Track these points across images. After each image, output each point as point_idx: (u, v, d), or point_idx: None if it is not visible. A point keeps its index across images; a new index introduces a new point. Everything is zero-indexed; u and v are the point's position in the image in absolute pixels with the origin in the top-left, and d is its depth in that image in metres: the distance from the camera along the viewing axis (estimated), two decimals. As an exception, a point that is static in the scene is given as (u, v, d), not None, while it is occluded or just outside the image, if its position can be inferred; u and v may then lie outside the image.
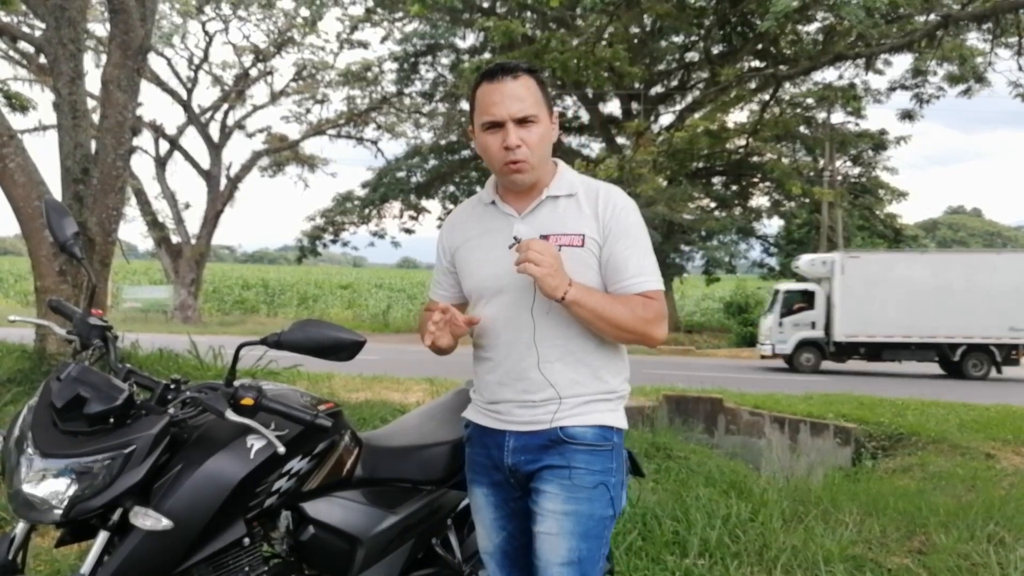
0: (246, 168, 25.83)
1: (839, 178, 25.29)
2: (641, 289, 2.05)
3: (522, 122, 2.05)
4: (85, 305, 2.26)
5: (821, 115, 23.88)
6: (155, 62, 24.07)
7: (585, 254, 2.07)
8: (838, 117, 24.11)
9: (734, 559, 3.89)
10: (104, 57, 8.29)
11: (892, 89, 20.62)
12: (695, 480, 5.65)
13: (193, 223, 25.74)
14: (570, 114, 27.22)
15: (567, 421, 2.09)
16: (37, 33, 10.40)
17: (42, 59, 16.75)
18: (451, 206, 27.61)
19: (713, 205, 26.76)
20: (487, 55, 21.82)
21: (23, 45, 19.31)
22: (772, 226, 28.67)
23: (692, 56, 23.28)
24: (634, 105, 23.84)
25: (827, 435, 10.28)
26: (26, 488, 1.84)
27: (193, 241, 25.33)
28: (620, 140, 24.20)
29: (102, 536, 1.92)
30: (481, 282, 2.18)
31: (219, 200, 25.28)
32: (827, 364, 18.94)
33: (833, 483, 6.41)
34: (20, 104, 13.59)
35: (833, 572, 3.76)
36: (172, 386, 2.08)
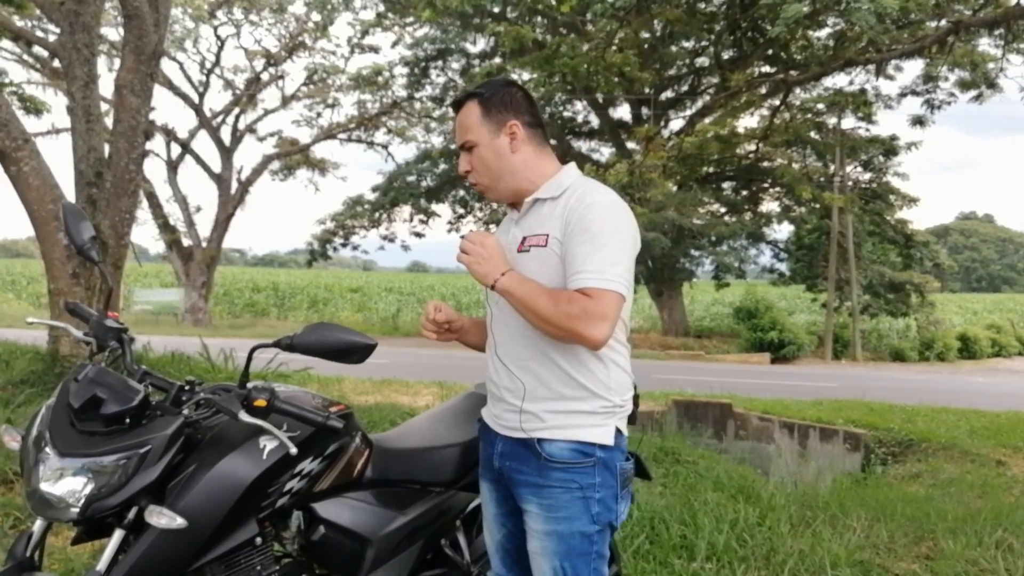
0: (257, 172, 25.90)
1: (849, 183, 25.22)
2: (578, 285, 1.98)
3: (466, 147, 2.20)
4: (101, 308, 2.30)
5: (832, 120, 23.81)
6: (167, 66, 24.22)
7: (548, 254, 2.08)
8: (849, 122, 24.00)
9: (741, 563, 3.90)
10: (117, 61, 8.35)
11: (903, 95, 20.49)
12: (703, 485, 5.66)
13: (204, 226, 25.83)
14: (580, 119, 27.23)
15: (544, 434, 2.09)
16: (51, 38, 10.49)
17: (56, 63, 16.88)
18: (461, 210, 27.66)
19: (723, 210, 26.68)
20: (497, 60, 21.86)
21: (37, 49, 19.46)
22: (782, 231, 28.56)
23: (702, 61, 23.26)
24: (644, 110, 23.85)
25: (836, 441, 10.27)
26: (44, 487, 1.88)
27: (204, 244, 25.41)
28: (630, 145, 24.18)
29: (118, 534, 1.95)
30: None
31: (230, 203, 25.37)
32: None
33: (841, 488, 6.41)
34: (34, 108, 13.72)
35: (840, 577, 3.77)
36: (186, 387, 2.11)
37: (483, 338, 2.41)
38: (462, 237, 2.16)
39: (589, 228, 2.02)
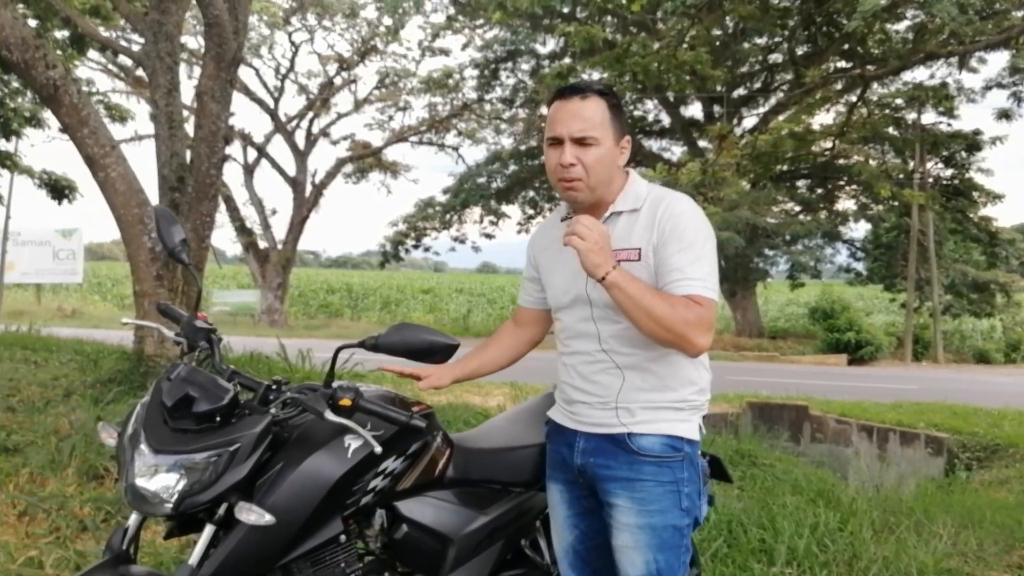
0: (331, 175, 26.32)
1: (930, 180, 24.50)
2: (686, 291, 1.99)
3: (580, 142, 2.06)
4: (191, 309, 2.36)
5: (911, 116, 23.18)
6: (244, 73, 24.75)
7: (641, 268, 2.07)
8: (929, 117, 23.35)
9: (823, 569, 3.82)
10: (196, 69, 8.61)
11: (988, 88, 19.93)
12: (781, 488, 5.56)
13: (280, 229, 26.34)
14: (651, 117, 27.02)
15: (636, 428, 2.12)
16: (135, 47, 10.83)
17: (140, 72, 17.43)
18: (531, 211, 27.69)
19: (798, 209, 26.20)
20: (567, 60, 21.80)
21: (121, 59, 20.13)
22: (859, 230, 27.90)
23: (776, 58, 22.89)
24: (716, 108, 23.55)
25: (918, 445, 10.01)
26: (139, 482, 1.93)
27: (280, 246, 25.92)
28: (702, 143, 23.91)
29: (208, 529, 2.00)
30: (557, 296, 2.28)
31: (304, 206, 25.82)
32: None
33: (926, 494, 6.24)
34: (119, 115, 14.20)
35: (927, 585, 3.67)
36: (274, 387, 2.16)
37: (501, 359, 2.52)
38: (564, 220, 2.18)
39: (684, 236, 2.03)
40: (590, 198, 2.12)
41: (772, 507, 4.64)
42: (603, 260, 1.94)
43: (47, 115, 13.05)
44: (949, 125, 23.31)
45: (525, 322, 2.54)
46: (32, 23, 9.13)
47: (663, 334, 1.98)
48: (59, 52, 10.13)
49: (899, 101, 22.35)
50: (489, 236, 28.28)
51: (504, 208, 27.88)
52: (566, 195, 2.14)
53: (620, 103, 2.14)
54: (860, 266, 28.64)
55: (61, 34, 10.99)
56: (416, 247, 28.10)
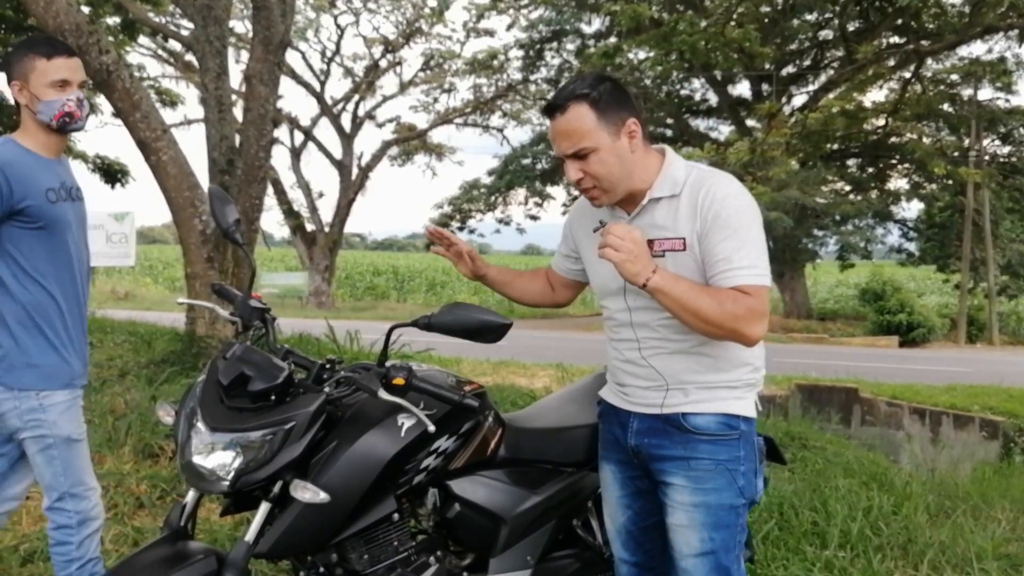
0: (376, 157, 26.44)
1: (986, 158, 23.90)
2: (734, 283, 1.94)
3: (576, 156, 2.02)
4: (244, 290, 2.39)
5: (967, 92, 22.60)
6: (290, 56, 24.96)
7: (687, 258, 2.02)
8: (986, 93, 22.75)
9: (877, 552, 3.76)
10: (244, 53, 8.71)
11: (1049, 62, 19.35)
12: (833, 471, 5.49)
13: (326, 212, 26.57)
14: (698, 96, 26.71)
15: (690, 408, 2.10)
16: (184, 32, 10.95)
17: (189, 57, 17.66)
18: (575, 193, 27.51)
19: (848, 188, 25.76)
20: (613, 39, 21.60)
21: (170, 45, 20.39)
22: (911, 209, 27.37)
23: (826, 34, 22.45)
24: (765, 86, 23.18)
25: (972, 428, 9.84)
26: (196, 460, 1.96)
27: (327, 229, 26.13)
28: (750, 122, 23.57)
29: (264, 507, 2.02)
30: (601, 284, 2.27)
31: (351, 189, 25.99)
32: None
33: (982, 478, 6.12)
34: (170, 100, 14.40)
35: (987, 571, 3.59)
36: (327, 366, 2.18)
37: (525, 294, 2.59)
38: (596, 231, 2.12)
39: (728, 223, 1.97)
40: (614, 197, 2.09)
41: (824, 490, 4.58)
42: (641, 268, 1.90)
43: (100, 100, 13.25)
44: (1007, 101, 22.71)
45: (556, 285, 2.59)
46: (85, 9, 9.25)
47: (714, 331, 1.96)
48: (111, 38, 10.28)
49: (955, 77, 21.80)
50: (534, 218, 28.27)
51: (549, 189, 27.84)
52: (593, 203, 2.16)
53: (603, 94, 2.01)
54: (912, 246, 28.14)
55: (113, 20, 11.15)
56: (461, 229, 28.17)
